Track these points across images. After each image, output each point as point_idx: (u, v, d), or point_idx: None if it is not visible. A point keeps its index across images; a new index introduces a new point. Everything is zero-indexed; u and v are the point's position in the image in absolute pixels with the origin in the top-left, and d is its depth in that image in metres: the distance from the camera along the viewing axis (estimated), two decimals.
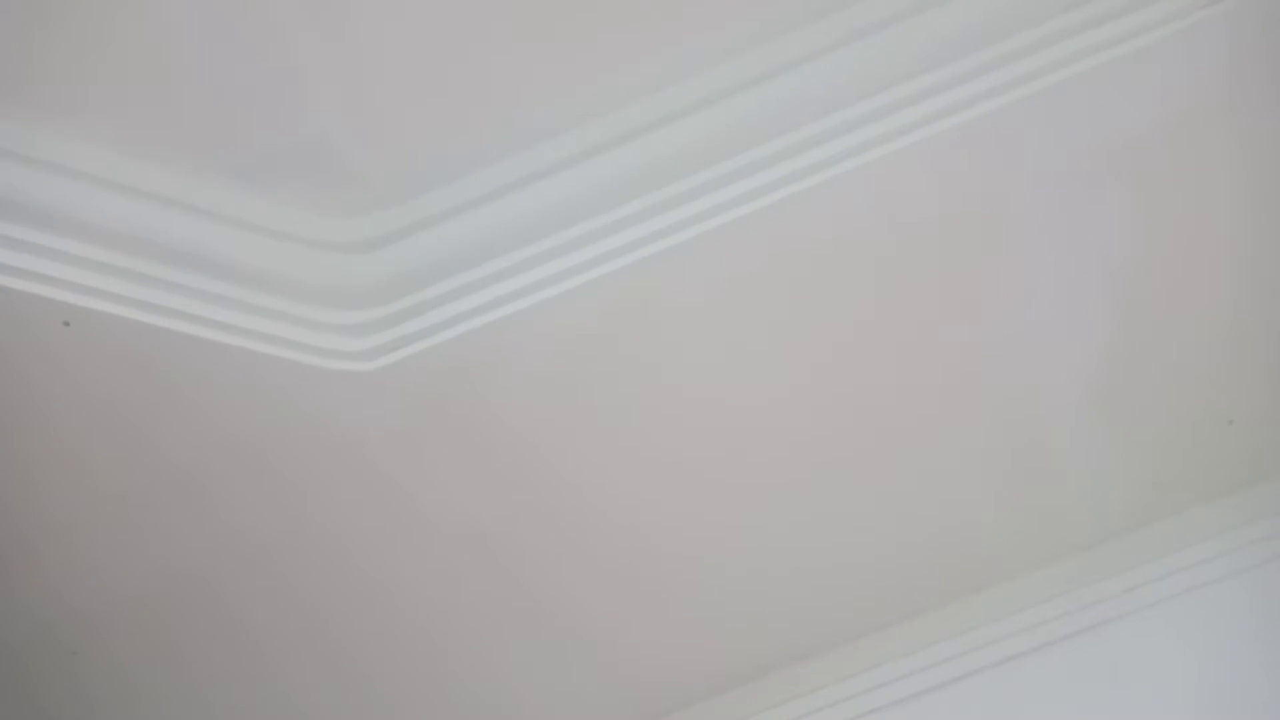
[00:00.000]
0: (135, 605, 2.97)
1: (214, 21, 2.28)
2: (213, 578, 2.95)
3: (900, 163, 2.49)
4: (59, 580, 2.91)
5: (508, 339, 2.59)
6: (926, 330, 2.78)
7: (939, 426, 2.95)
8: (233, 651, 3.12)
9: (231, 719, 3.26)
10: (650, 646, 3.22)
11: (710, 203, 2.49)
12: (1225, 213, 2.72)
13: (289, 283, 2.52)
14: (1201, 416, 3.06)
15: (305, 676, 3.18)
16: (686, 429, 2.84)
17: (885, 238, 2.61)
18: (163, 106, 2.37)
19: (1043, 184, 2.60)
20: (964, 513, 3.13)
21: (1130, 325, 2.85)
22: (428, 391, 2.65)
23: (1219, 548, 3.18)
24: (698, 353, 2.72)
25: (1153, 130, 2.55)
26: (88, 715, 3.19)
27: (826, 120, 2.49)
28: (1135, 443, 3.07)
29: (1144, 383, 2.96)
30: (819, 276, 2.65)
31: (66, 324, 2.39)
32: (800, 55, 2.48)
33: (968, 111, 2.47)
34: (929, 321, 2.76)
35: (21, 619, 2.97)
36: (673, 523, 3.00)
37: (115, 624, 3.00)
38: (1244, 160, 2.65)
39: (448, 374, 2.62)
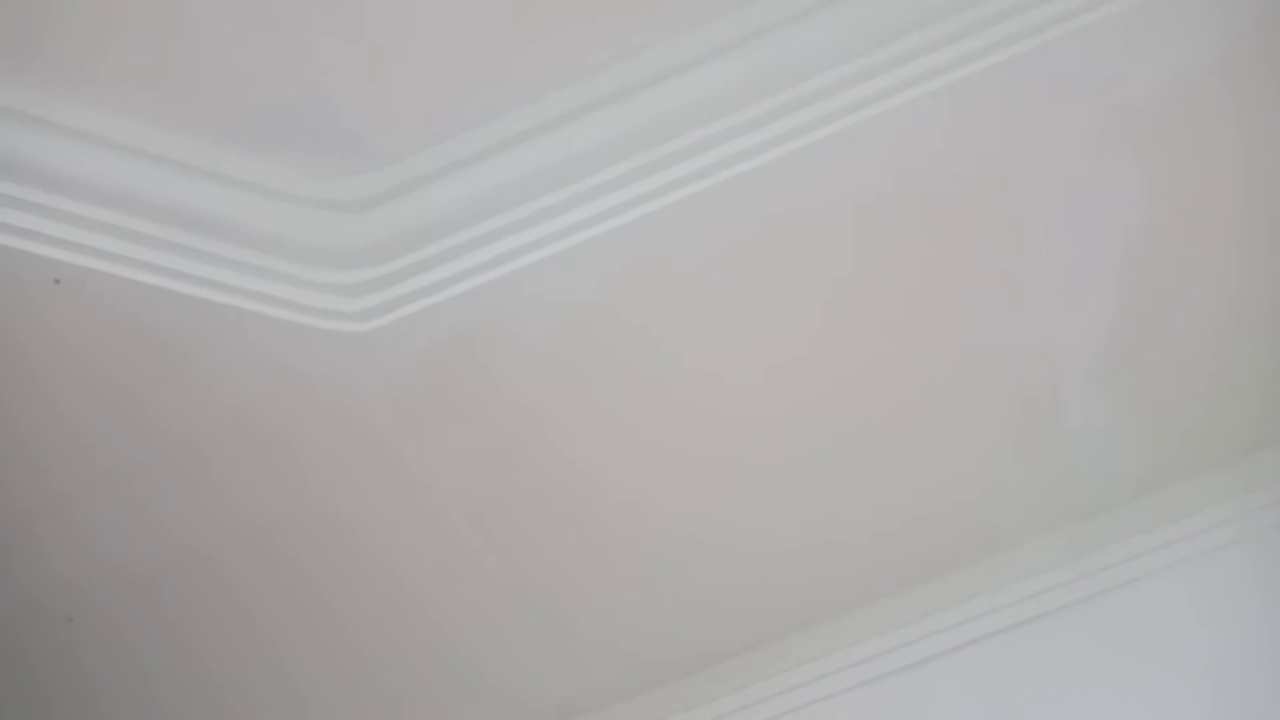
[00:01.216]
0: (130, 575, 2.94)
1: None
2: (208, 548, 2.92)
3: (901, 120, 2.47)
4: (54, 551, 2.89)
5: (506, 300, 2.56)
6: (929, 297, 2.75)
7: (940, 395, 2.93)
8: (229, 621, 3.10)
9: (229, 692, 3.23)
10: (650, 619, 3.20)
11: (711, 159, 2.46)
12: (1230, 179, 2.70)
13: (284, 242, 2.49)
14: (1205, 383, 3.04)
15: (303, 647, 3.16)
16: (685, 398, 2.82)
17: (887, 191, 2.57)
18: (158, 65, 2.34)
19: (1049, 145, 2.57)
20: (966, 481, 3.11)
21: (1134, 291, 2.82)
22: (425, 354, 2.62)
23: (1222, 515, 3.16)
24: (698, 317, 2.69)
25: (1158, 92, 2.52)
26: (84, 689, 3.17)
27: (827, 76, 2.46)
28: (1138, 409, 3.05)
29: (1147, 349, 2.94)
30: (819, 239, 2.62)
31: (57, 281, 2.37)
32: (799, 10, 2.45)
33: (972, 65, 2.44)
34: (931, 288, 2.74)
35: (16, 591, 2.94)
36: (672, 494, 2.98)
37: (112, 596, 2.98)
38: (1249, 127, 2.62)
39: (446, 336, 2.60)
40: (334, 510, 2.90)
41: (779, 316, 2.74)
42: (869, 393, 2.91)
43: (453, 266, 2.52)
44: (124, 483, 2.77)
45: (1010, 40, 2.43)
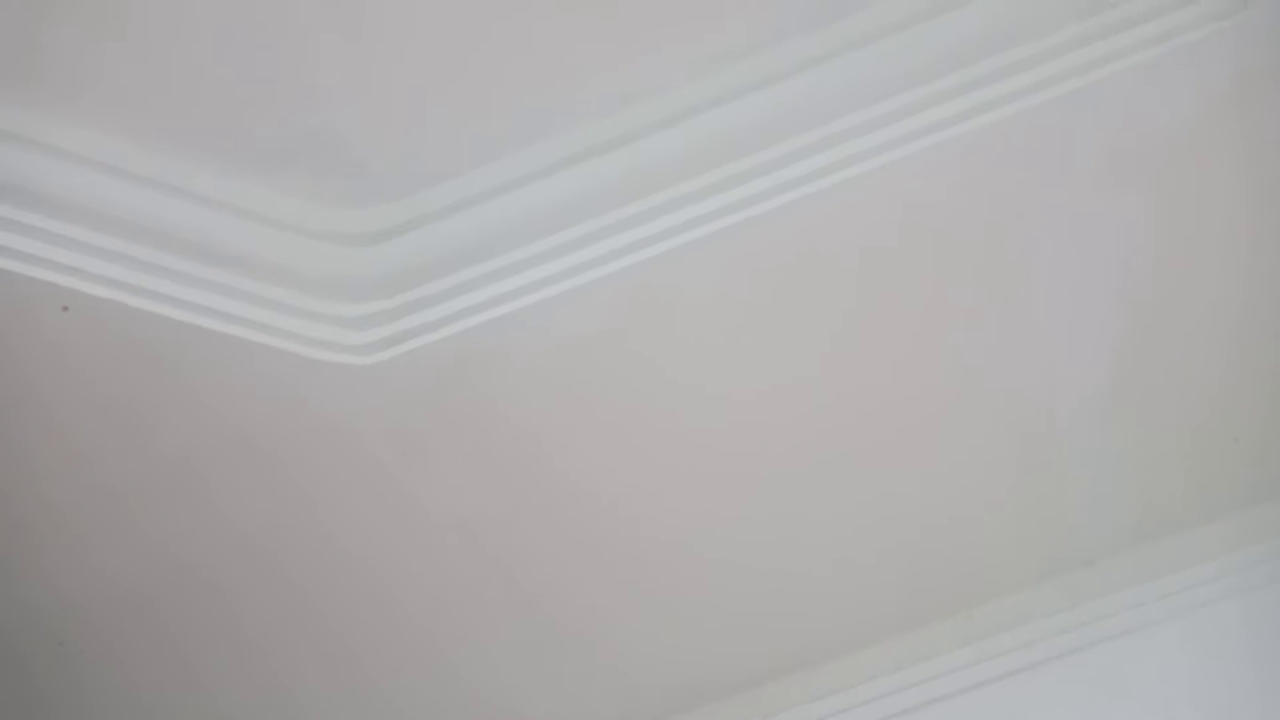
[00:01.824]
0: (129, 593, 2.96)
1: (221, 9, 2.27)
2: (208, 568, 2.94)
3: (910, 167, 2.48)
4: (52, 567, 2.90)
5: (509, 337, 2.58)
6: (933, 334, 2.76)
7: (940, 436, 2.94)
8: (229, 642, 3.12)
9: (227, 710, 3.25)
10: (651, 645, 3.22)
11: (716, 205, 2.47)
12: (1234, 227, 2.70)
13: (291, 273, 2.51)
14: (1207, 433, 3.05)
15: (302, 669, 3.18)
16: (688, 430, 2.83)
17: (893, 241, 2.59)
18: (167, 93, 2.36)
19: (1055, 188, 2.58)
20: (965, 524, 3.12)
21: (1137, 339, 2.83)
22: (428, 387, 2.63)
23: (1220, 568, 3.16)
24: (701, 353, 2.71)
25: (1164, 139, 2.53)
26: (82, 704, 3.18)
27: (837, 123, 2.48)
28: (1139, 458, 3.05)
29: (1149, 397, 2.95)
30: (826, 280, 2.64)
31: (65, 309, 2.38)
32: (811, 57, 2.46)
33: (981, 117, 2.46)
34: (936, 326, 2.75)
35: (14, 606, 2.96)
36: (674, 523, 2.99)
37: (109, 611, 2.99)
38: (1254, 173, 2.63)
39: (448, 370, 2.61)
40: (332, 531, 2.91)
41: (784, 355, 2.75)
42: (871, 429, 2.92)
43: (458, 302, 2.53)
44: (122, 500, 2.79)
45: (1022, 93, 2.45)
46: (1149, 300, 2.78)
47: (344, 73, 2.37)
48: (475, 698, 3.29)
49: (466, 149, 2.49)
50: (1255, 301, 2.84)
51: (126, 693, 3.17)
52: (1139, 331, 2.82)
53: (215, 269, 2.46)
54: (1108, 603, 3.20)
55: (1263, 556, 3.15)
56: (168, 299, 2.44)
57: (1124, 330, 2.81)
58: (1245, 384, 2.97)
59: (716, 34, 2.43)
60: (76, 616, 2.99)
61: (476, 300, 2.53)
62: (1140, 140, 2.53)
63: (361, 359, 2.54)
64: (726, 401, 2.80)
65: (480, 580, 3.03)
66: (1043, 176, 2.56)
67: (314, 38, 2.32)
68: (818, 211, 2.51)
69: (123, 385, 2.59)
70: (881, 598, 3.24)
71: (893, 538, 3.12)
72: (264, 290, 2.50)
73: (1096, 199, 2.60)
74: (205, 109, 2.38)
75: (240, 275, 2.48)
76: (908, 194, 2.53)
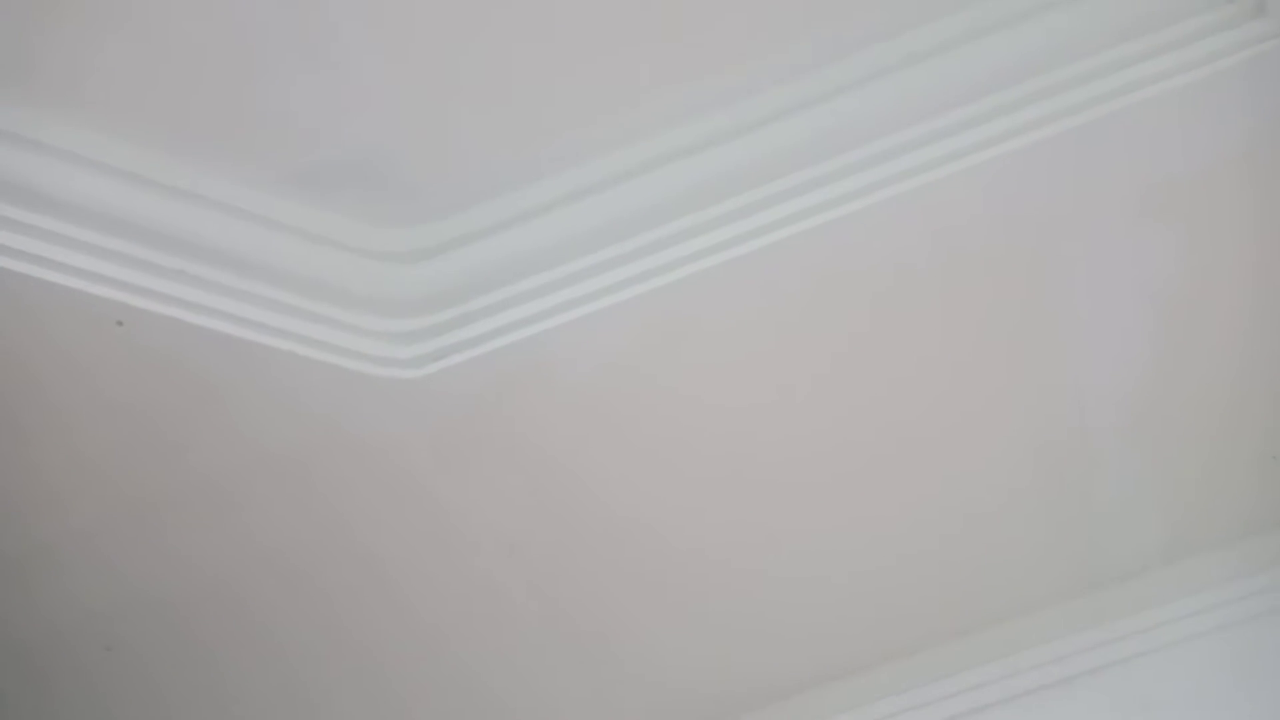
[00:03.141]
0: (157, 606, 2.99)
1: (274, 32, 2.31)
2: (239, 581, 2.97)
3: (942, 191, 2.51)
4: (85, 583, 2.93)
5: (550, 352, 2.62)
6: (961, 354, 2.79)
7: (971, 451, 2.97)
8: (258, 655, 3.15)
9: None
10: (684, 659, 3.24)
11: (755, 224, 2.51)
12: (1272, 254, 2.74)
13: (340, 290, 2.56)
14: (1241, 452, 3.06)
15: (335, 686, 3.21)
16: (725, 448, 2.87)
17: (927, 264, 2.63)
18: (221, 113, 2.40)
19: (1085, 214, 2.61)
20: (996, 541, 3.14)
21: (1166, 356, 2.85)
22: (471, 401, 2.67)
23: (1254, 586, 3.16)
24: (739, 373, 2.74)
25: (1200, 168, 2.56)
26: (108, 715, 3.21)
27: (870, 147, 2.51)
28: (1168, 475, 3.07)
29: (1183, 416, 2.96)
30: (857, 299, 2.67)
31: (120, 324, 2.42)
32: (844, 83, 2.51)
33: (1016, 140, 2.49)
34: (964, 346, 2.78)
35: (44, 621, 2.99)
36: (708, 538, 3.02)
37: (141, 627, 3.03)
38: None
39: (491, 385, 2.65)
40: (367, 545, 2.94)
41: (822, 374, 2.78)
42: (905, 450, 2.95)
43: (501, 318, 2.57)
44: (154, 514, 2.82)
45: (1053, 117, 2.47)
46: (1184, 321, 2.80)
47: (392, 96, 2.42)
48: (507, 710, 3.31)
49: (510, 170, 2.54)
50: None
51: (153, 705, 3.20)
52: (1171, 346, 2.84)
53: (266, 285, 2.50)
54: (1139, 620, 3.20)
55: None
56: (218, 314, 2.48)
57: (1155, 345, 2.83)
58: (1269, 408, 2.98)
59: (749, 61, 2.47)
60: (105, 629, 3.02)
61: (520, 315, 2.57)
62: (1177, 170, 2.55)
63: (409, 372, 2.58)
64: (761, 422, 2.83)
65: (513, 596, 3.06)
66: (1079, 202, 2.59)
67: (364, 63, 2.37)
68: (851, 232, 2.55)
69: (163, 400, 2.62)
70: (911, 613, 3.26)
71: (924, 558, 3.15)
72: (314, 306, 2.54)
73: (1126, 226, 2.63)
74: (257, 131, 2.43)
75: (291, 292, 2.52)
76: (937, 218, 2.56)
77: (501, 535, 2.95)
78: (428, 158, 2.50)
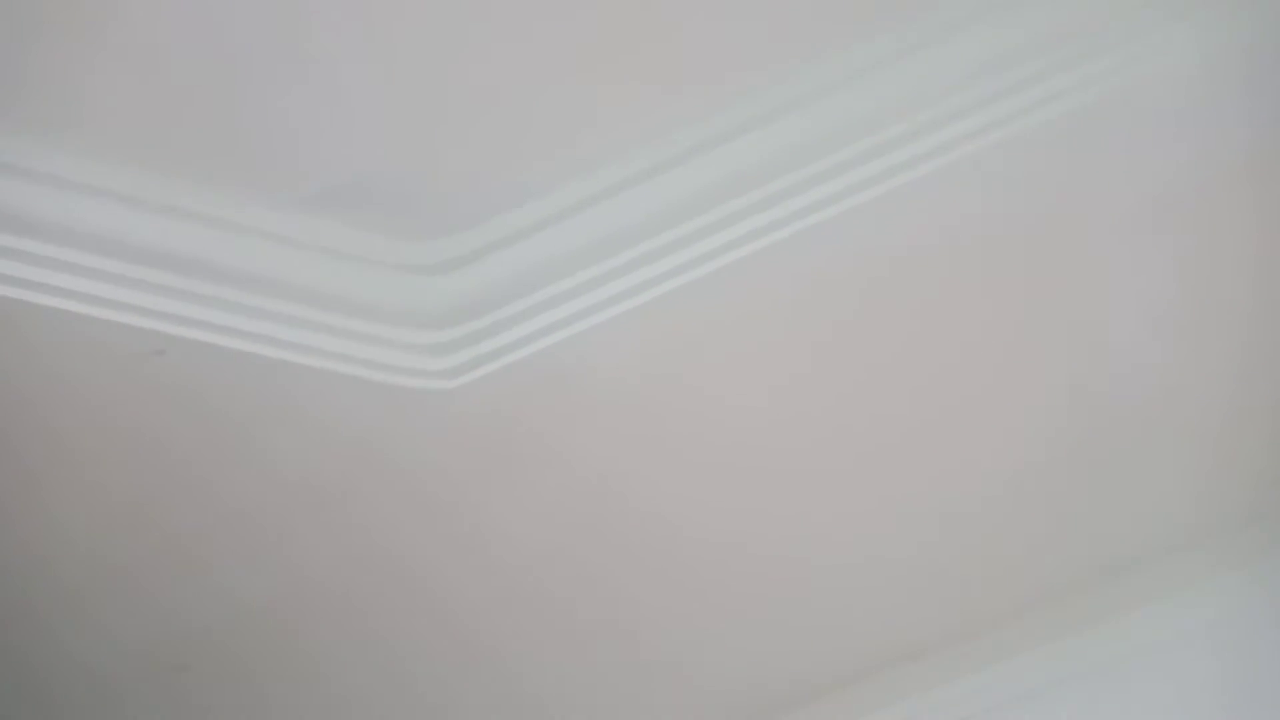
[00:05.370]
0: (201, 638, 3.00)
1: (284, 53, 2.32)
2: (276, 604, 2.99)
3: (947, 181, 2.51)
4: (112, 622, 2.96)
5: (583, 355, 2.62)
6: (974, 347, 2.79)
7: (981, 450, 2.98)
8: (299, 680, 3.16)
9: None
10: (731, 658, 3.25)
11: (785, 211, 2.52)
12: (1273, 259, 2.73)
13: (369, 305, 2.56)
14: (1240, 450, 3.04)
15: (381, 705, 3.21)
16: (755, 444, 2.87)
17: (931, 254, 2.63)
18: (238, 135, 2.41)
19: (1089, 214, 2.61)
20: (1003, 534, 3.14)
21: (1171, 356, 2.84)
22: (505, 410, 2.68)
23: (1255, 586, 3.15)
24: (767, 369, 2.75)
25: (1203, 163, 2.55)
26: None
27: (870, 139, 2.51)
28: (1173, 469, 3.06)
29: (1182, 412, 2.95)
30: (873, 292, 2.68)
31: (161, 353, 2.42)
32: (848, 76, 2.51)
33: (1017, 123, 2.49)
34: (975, 342, 2.78)
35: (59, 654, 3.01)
36: (750, 544, 3.04)
37: (178, 657, 3.03)
38: None
39: (525, 391, 2.66)
40: (404, 561, 2.95)
41: (835, 363, 2.79)
42: (920, 442, 2.94)
43: (534, 323, 2.58)
44: (190, 548, 2.84)
45: (1055, 96, 2.47)
46: (1180, 311, 2.78)
47: (409, 109, 2.43)
48: None
49: (534, 176, 2.54)
50: None
51: None
52: (1170, 346, 2.83)
53: (296, 305, 2.51)
54: (1138, 620, 3.18)
55: None
56: (250, 336, 2.49)
57: (1155, 344, 2.82)
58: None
59: (753, 67, 2.48)
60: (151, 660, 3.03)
61: (551, 320, 2.58)
62: (1181, 174, 2.55)
63: (444, 383, 2.59)
64: (795, 422, 2.84)
65: (555, 606, 3.08)
66: (1085, 196, 2.58)
67: (373, 76, 2.37)
68: (864, 225, 2.55)
69: (194, 428, 2.64)
70: (920, 616, 3.26)
71: (937, 558, 3.14)
72: (343, 323, 2.54)
73: (1128, 225, 2.62)
74: (276, 150, 2.44)
75: (320, 310, 2.53)
76: (945, 209, 2.56)
77: (538, 541, 2.95)
78: (450, 169, 2.50)
